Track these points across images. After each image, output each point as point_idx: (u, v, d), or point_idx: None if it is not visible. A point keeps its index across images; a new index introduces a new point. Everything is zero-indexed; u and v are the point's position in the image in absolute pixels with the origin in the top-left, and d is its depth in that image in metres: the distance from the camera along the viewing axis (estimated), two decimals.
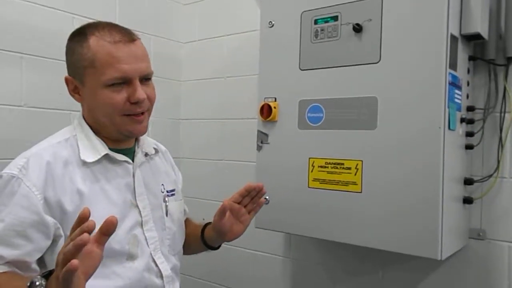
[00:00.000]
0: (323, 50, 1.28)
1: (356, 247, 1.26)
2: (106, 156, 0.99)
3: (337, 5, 1.25)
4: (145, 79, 0.99)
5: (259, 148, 1.42)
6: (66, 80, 1.00)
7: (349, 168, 1.24)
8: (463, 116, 1.23)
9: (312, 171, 1.31)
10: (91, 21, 1.04)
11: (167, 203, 1.09)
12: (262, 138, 1.42)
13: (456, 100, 1.18)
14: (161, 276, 1.03)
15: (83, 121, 1.02)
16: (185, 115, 2.01)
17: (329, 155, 1.27)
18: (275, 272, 1.72)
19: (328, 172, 1.27)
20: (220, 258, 1.85)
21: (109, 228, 0.72)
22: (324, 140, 1.28)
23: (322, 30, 1.28)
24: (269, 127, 1.40)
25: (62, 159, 0.95)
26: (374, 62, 1.19)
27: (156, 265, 1.02)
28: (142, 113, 0.99)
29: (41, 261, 0.93)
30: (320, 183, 1.29)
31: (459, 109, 1.20)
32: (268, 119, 1.38)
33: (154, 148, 1.13)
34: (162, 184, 1.11)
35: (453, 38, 1.14)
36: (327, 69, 1.27)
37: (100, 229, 0.73)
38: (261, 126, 1.42)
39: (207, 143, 1.92)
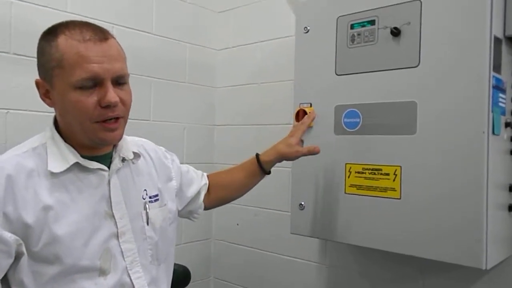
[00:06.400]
0: (359, 54, 1.27)
1: (395, 254, 1.23)
2: (77, 164, 0.92)
3: (373, 9, 1.24)
4: (119, 82, 0.91)
5: None
6: (37, 83, 0.93)
7: (388, 174, 1.21)
8: (508, 121, 1.19)
9: (348, 177, 1.29)
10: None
11: (148, 211, 1.02)
12: None
13: (500, 104, 1.14)
14: None
15: (53, 127, 0.95)
16: (219, 121, 2.03)
17: (366, 161, 1.26)
18: (310, 279, 1.71)
19: (365, 178, 1.26)
20: (255, 263, 1.86)
21: None
22: (361, 146, 1.27)
23: (358, 34, 1.27)
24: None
25: (25, 170, 0.87)
26: (413, 66, 1.17)
27: (131, 280, 0.95)
28: (116, 120, 0.91)
29: (3, 279, 0.88)
30: (357, 189, 1.27)
31: (503, 113, 1.16)
32: None
33: (135, 152, 1.03)
34: (145, 190, 1.04)
35: (497, 40, 1.10)
36: (364, 74, 1.26)
37: None
38: None
39: (242, 149, 1.92)
